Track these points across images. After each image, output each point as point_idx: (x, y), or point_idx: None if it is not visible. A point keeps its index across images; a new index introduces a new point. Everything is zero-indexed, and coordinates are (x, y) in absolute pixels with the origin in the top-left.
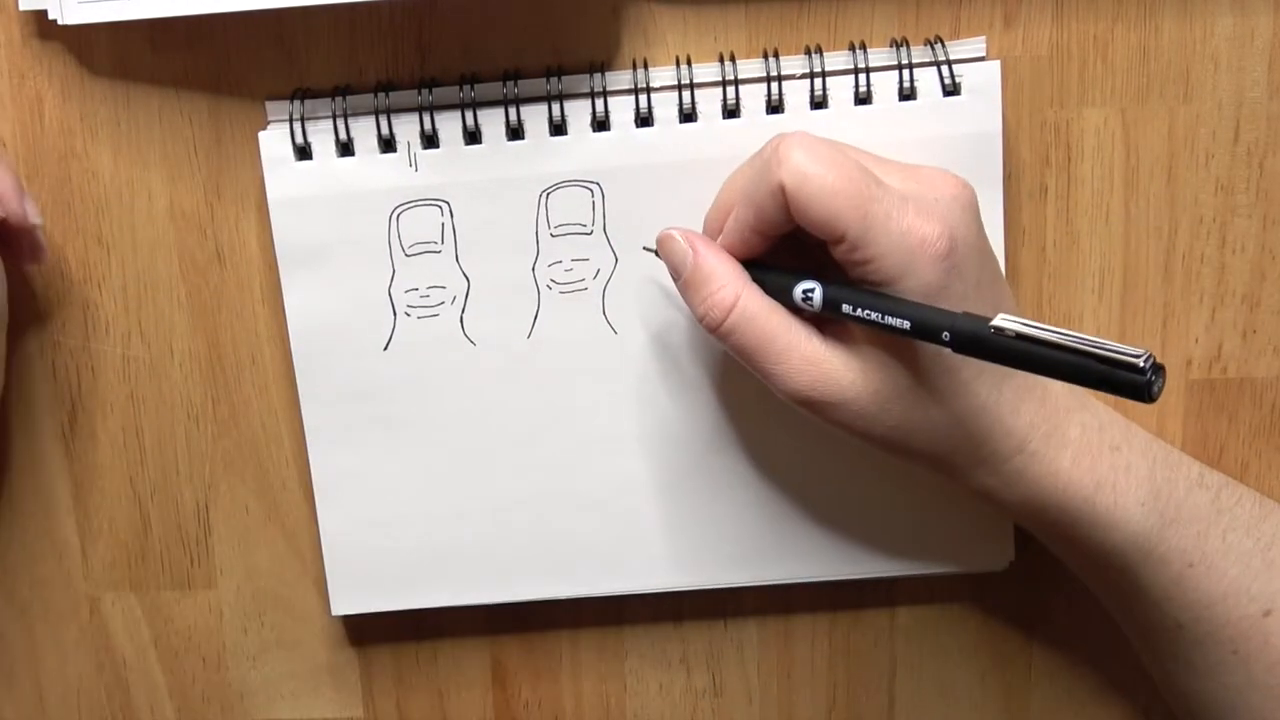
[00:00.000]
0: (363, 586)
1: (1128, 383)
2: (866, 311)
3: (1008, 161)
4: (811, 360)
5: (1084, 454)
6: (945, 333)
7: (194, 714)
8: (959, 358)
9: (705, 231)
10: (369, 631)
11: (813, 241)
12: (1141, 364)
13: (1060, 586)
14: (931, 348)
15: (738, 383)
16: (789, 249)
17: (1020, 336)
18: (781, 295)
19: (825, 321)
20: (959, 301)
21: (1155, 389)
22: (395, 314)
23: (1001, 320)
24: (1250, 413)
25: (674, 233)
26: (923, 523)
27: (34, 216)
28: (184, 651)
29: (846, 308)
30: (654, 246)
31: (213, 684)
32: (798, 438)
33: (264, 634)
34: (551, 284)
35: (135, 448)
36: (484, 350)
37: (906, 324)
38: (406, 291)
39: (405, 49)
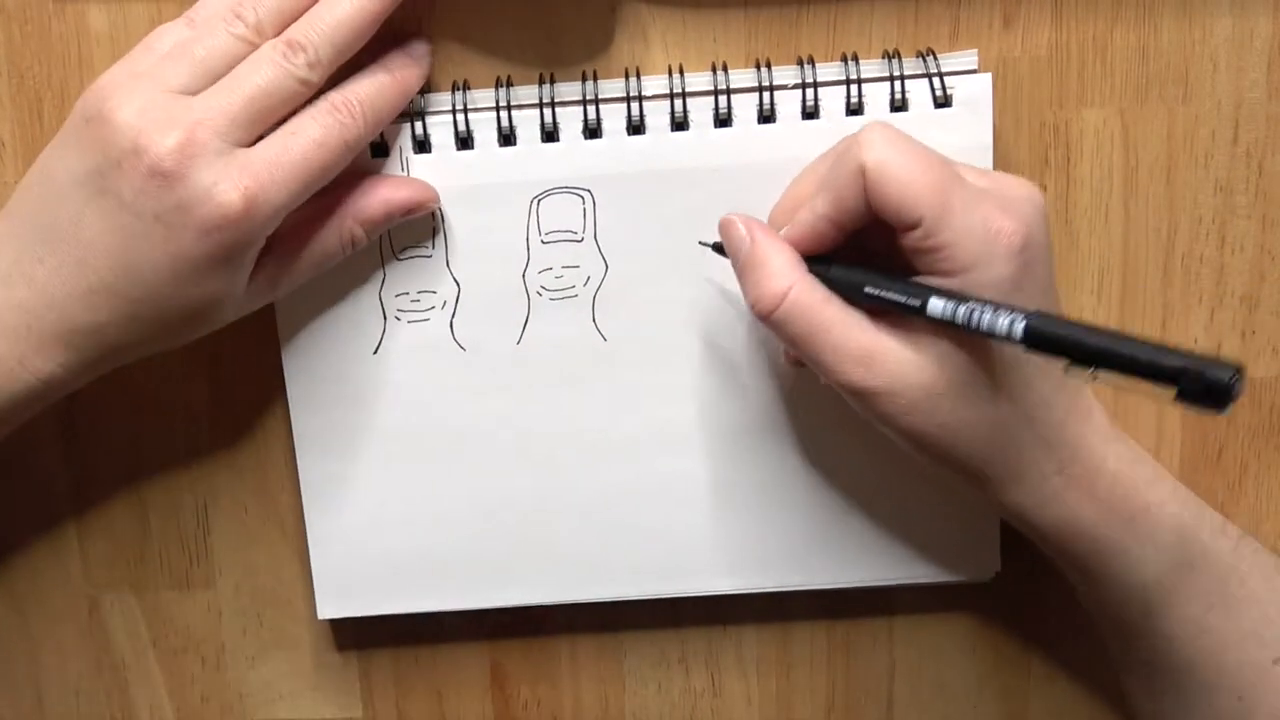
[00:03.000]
0: (351, 591)
1: (1213, 382)
2: (947, 304)
3: (1006, 163)
4: (867, 350)
5: (1119, 483)
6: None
7: (193, 714)
8: (1021, 356)
9: (771, 223)
10: (368, 633)
11: (877, 247)
12: (1230, 377)
13: (1058, 589)
14: (994, 350)
15: (728, 392)
16: (853, 255)
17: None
18: (847, 288)
19: (881, 313)
20: (1028, 302)
21: (1233, 397)
22: (385, 318)
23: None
24: (1250, 413)
25: (735, 218)
26: (910, 533)
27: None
28: (183, 652)
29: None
30: (709, 241)
31: (212, 684)
32: (787, 447)
33: (263, 634)
34: (541, 290)
35: (135, 448)
36: (474, 355)
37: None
38: (397, 296)
39: None
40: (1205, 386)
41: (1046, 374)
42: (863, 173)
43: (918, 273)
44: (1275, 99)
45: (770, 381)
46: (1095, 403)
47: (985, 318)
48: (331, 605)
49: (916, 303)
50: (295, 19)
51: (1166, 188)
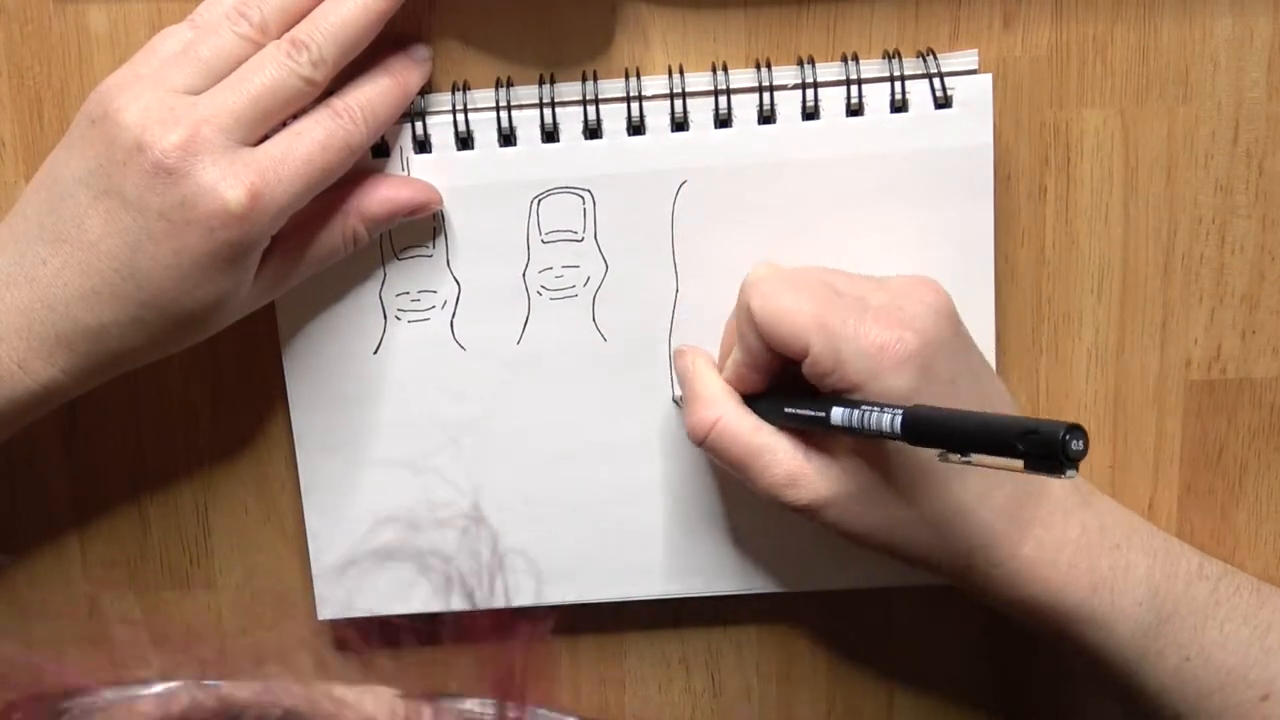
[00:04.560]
0: (350, 591)
1: (1043, 447)
2: (807, 410)
3: (1006, 163)
4: (791, 472)
5: (1082, 555)
6: (894, 424)
7: None
8: (934, 461)
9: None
10: (368, 633)
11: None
12: (1063, 433)
13: None
14: (904, 450)
15: None
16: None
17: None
18: (771, 414)
19: (806, 435)
20: (938, 403)
21: (1072, 454)
22: (386, 318)
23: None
24: (1250, 413)
25: (684, 350)
26: None
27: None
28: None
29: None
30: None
31: None
32: None
33: (263, 634)
34: (542, 290)
35: (135, 448)
36: (474, 355)
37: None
38: (397, 295)
39: None
40: (1041, 448)
41: (983, 471)
42: (751, 316)
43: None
44: (1275, 99)
45: None
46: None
47: (872, 417)
48: (332, 606)
49: (823, 413)
50: (299, 19)
51: (1166, 188)
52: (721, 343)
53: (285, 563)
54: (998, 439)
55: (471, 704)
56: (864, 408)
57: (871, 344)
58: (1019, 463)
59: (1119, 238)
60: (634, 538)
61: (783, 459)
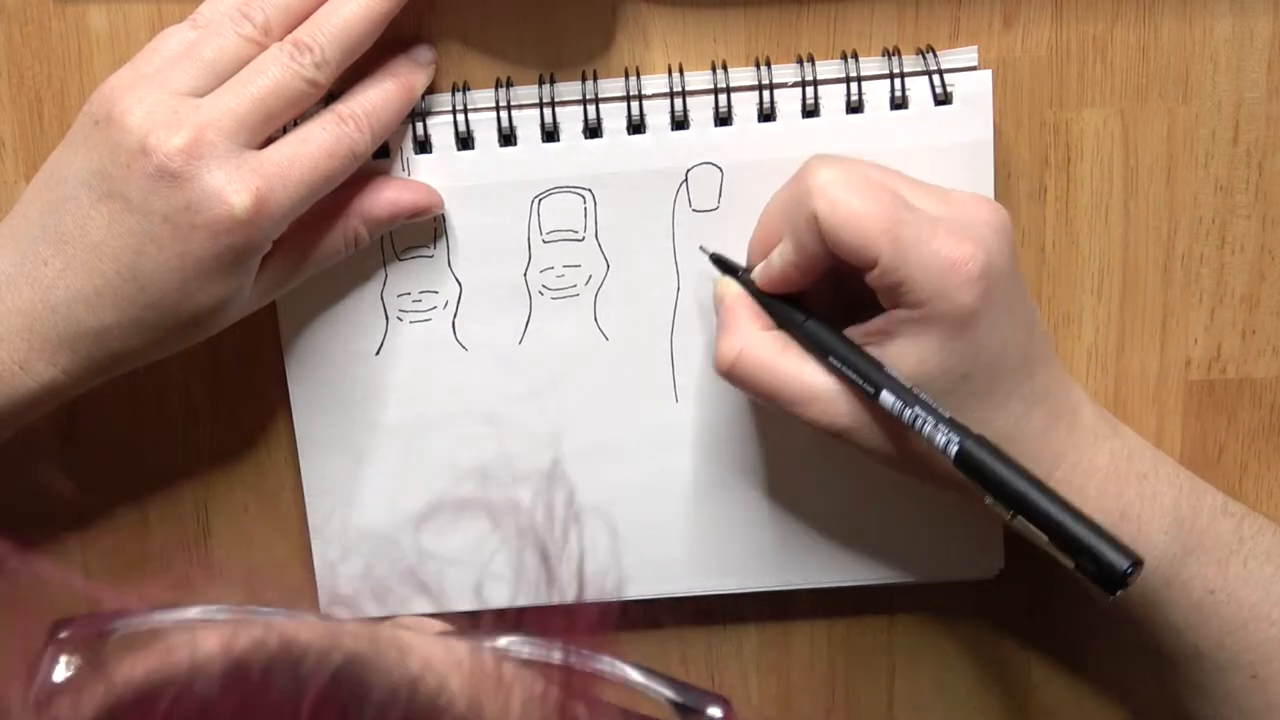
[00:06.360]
0: (355, 593)
1: (1107, 568)
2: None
3: (1006, 163)
4: (826, 396)
5: (1111, 482)
6: (954, 445)
7: None
8: (983, 385)
9: (749, 256)
10: None
11: (853, 282)
12: (1126, 568)
13: (1058, 588)
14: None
15: (730, 391)
16: (830, 288)
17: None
18: (808, 343)
19: None
20: (988, 329)
21: (1126, 586)
22: (387, 318)
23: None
24: (1250, 413)
25: (724, 280)
26: (913, 532)
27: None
28: None
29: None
30: (709, 249)
31: None
32: (790, 446)
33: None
34: (543, 290)
35: (135, 448)
36: (476, 355)
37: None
38: (399, 296)
39: None
40: (1101, 570)
41: (1023, 393)
42: (815, 219)
43: (886, 307)
44: (1275, 99)
45: None
46: (1084, 401)
47: (926, 428)
48: (335, 609)
49: (871, 390)
50: (302, 20)
51: (1166, 188)
52: (759, 224)
53: (286, 564)
54: (1062, 537)
55: (507, 640)
56: (918, 410)
57: (943, 260)
58: (1068, 560)
59: (1119, 238)
60: (634, 537)
61: (814, 383)
